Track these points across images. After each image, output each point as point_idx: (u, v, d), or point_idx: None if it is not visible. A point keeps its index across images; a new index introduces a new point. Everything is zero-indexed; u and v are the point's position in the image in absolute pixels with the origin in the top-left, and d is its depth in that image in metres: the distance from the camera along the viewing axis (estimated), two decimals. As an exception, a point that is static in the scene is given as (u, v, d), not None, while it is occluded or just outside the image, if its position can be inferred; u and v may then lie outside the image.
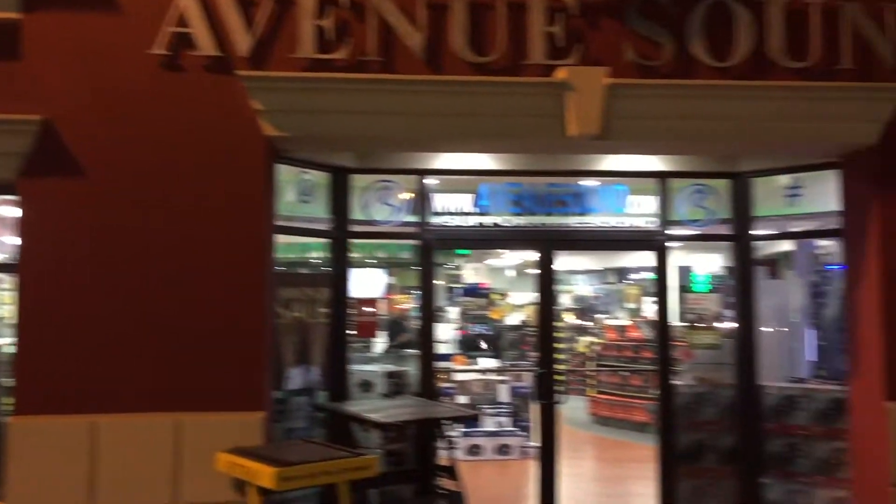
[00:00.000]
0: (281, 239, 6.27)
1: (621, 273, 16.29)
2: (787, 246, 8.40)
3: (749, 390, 6.87)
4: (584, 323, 15.62)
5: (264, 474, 4.43)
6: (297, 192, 6.54)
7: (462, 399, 9.82)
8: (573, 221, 7.11)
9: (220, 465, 4.77)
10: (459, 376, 10.06)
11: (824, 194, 6.59)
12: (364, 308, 7.46)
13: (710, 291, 9.98)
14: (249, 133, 5.62)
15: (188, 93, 5.64)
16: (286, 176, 6.37)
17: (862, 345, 6.07)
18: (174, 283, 5.54)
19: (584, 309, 16.57)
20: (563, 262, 14.98)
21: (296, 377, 6.44)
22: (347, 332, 6.84)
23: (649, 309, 10.99)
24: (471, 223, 7.08)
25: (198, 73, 5.65)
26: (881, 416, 5.76)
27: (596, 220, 7.13)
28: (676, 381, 7.02)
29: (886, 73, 5.91)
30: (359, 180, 6.90)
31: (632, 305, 15.00)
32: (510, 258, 15.01)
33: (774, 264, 8.98)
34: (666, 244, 7.08)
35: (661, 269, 7.13)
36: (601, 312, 15.78)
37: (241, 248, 5.62)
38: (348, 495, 4.72)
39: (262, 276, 5.69)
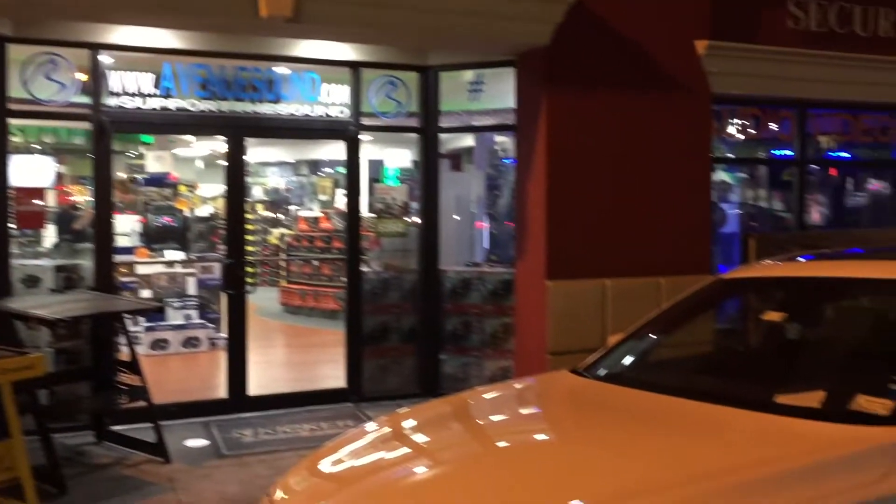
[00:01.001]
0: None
1: (314, 166, 16.30)
2: (469, 140, 8.93)
3: (430, 275, 7.33)
4: (276, 215, 15.50)
5: None
6: (-64, 61, 5.60)
7: (146, 293, 9.34)
8: (265, 109, 6.90)
9: None
10: (142, 269, 9.53)
11: (503, 91, 7.04)
12: (27, 198, 6.71)
13: (399, 183, 10.35)
14: None
15: None
16: (-79, 39, 5.42)
17: (528, 232, 6.69)
18: None
19: (277, 201, 16.41)
20: (256, 153, 14.61)
21: (-57, 273, 5.67)
22: (7, 224, 6.13)
23: (341, 201, 11.17)
24: (153, 106, 6.59)
25: None
26: (542, 293, 6.45)
27: (288, 109, 6.98)
28: (365, 269, 7.27)
29: (560, -23, 6.34)
30: (17, 51, 6.08)
31: (324, 197, 15.14)
32: (199, 148, 14.29)
33: (458, 158, 9.51)
34: (358, 135, 7.15)
35: (352, 161, 7.22)
36: (294, 204, 15.75)
37: None
38: (12, 397, 4.32)
39: None
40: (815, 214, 8.90)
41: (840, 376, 3.10)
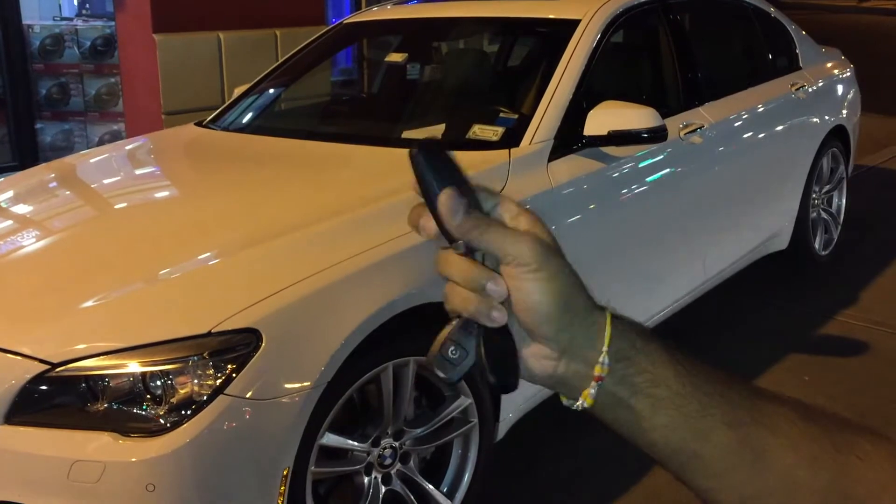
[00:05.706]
0: None
1: None
2: None
3: (12, 30, 6.23)
4: None
5: None
6: None
7: None
8: None
9: None
10: None
11: None
12: None
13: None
14: None
15: None
16: None
17: (127, -23, 5.91)
18: None
19: None
20: None
21: None
22: None
23: None
24: None
25: None
26: (150, 48, 5.84)
27: None
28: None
29: None
30: None
31: None
32: None
33: None
34: None
35: None
36: None
37: None
38: None
39: None
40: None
41: (457, 110, 3.26)
